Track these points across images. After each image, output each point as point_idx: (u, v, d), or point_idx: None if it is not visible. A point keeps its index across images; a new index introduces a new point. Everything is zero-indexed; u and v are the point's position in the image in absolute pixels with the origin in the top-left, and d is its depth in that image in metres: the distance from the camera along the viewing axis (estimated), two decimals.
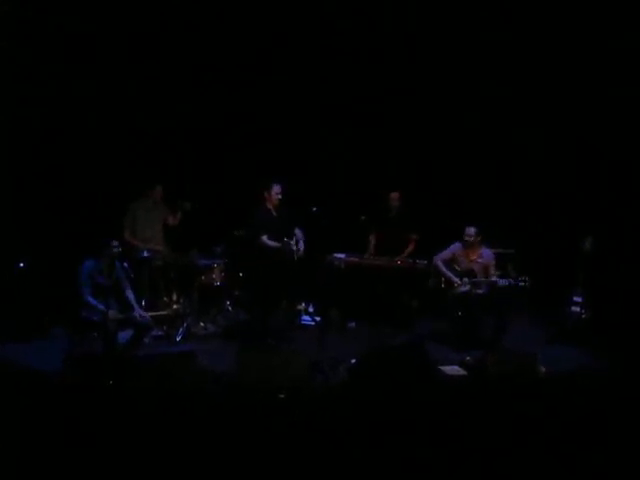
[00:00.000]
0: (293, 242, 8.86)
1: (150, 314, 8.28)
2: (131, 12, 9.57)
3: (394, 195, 9.94)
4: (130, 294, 8.11)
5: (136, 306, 8.10)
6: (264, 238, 8.85)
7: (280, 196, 8.95)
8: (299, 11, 9.92)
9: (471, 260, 8.97)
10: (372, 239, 10.00)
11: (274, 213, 9.01)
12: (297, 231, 9.08)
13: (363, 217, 9.87)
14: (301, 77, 10.49)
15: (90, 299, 7.84)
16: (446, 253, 9.14)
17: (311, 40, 10.22)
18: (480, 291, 8.85)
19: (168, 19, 9.77)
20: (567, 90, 10.24)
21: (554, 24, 9.78)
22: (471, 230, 8.93)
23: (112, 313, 7.74)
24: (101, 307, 7.74)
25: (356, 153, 10.82)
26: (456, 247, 9.09)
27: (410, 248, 9.82)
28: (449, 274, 8.98)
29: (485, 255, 8.98)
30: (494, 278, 8.80)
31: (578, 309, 9.08)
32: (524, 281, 8.61)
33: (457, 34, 10.16)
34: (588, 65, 9.99)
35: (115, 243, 8.01)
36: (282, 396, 6.79)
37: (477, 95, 10.60)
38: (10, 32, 8.96)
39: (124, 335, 7.95)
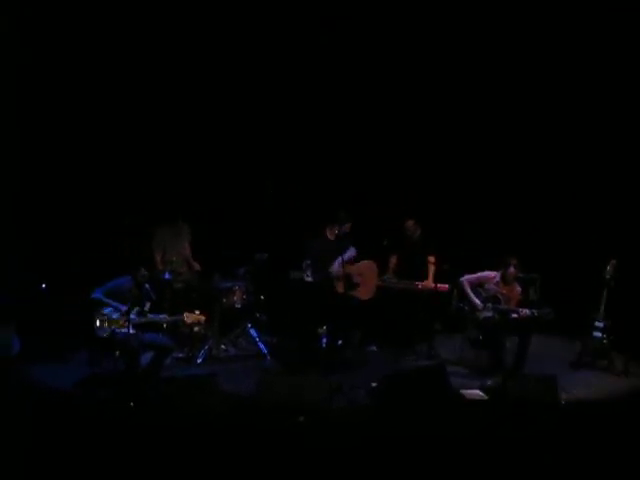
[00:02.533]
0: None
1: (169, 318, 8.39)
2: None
3: (409, 223, 9.89)
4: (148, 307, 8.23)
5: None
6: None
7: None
8: (306, 15, 10.04)
9: (502, 292, 8.89)
10: (393, 260, 9.97)
11: (332, 239, 9.46)
12: (350, 248, 9.37)
13: (385, 241, 9.86)
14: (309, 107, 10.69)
15: (99, 295, 7.93)
16: (477, 277, 9.01)
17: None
18: (503, 318, 8.77)
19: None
20: (587, 113, 10.32)
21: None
22: (513, 269, 8.83)
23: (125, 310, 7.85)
24: (114, 304, 7.84)
25: (379, 175, 10.86)
26: (491, 276, 8.98)
27: (432, 270, 9.77)
28: (473, 297, 8.87)
29: (516, 290, 8.93)
30: (518, 307, 8.72)
31: (600, 334, 9.00)
32: (548, 314, 8.52)
33: (458, 42, 10.28)
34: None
35: (143, 271, 8.16)
36: (302, 419, 6.81)
37: (497, 117, 10.65)
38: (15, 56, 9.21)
39: (145, 357, 8.00)
